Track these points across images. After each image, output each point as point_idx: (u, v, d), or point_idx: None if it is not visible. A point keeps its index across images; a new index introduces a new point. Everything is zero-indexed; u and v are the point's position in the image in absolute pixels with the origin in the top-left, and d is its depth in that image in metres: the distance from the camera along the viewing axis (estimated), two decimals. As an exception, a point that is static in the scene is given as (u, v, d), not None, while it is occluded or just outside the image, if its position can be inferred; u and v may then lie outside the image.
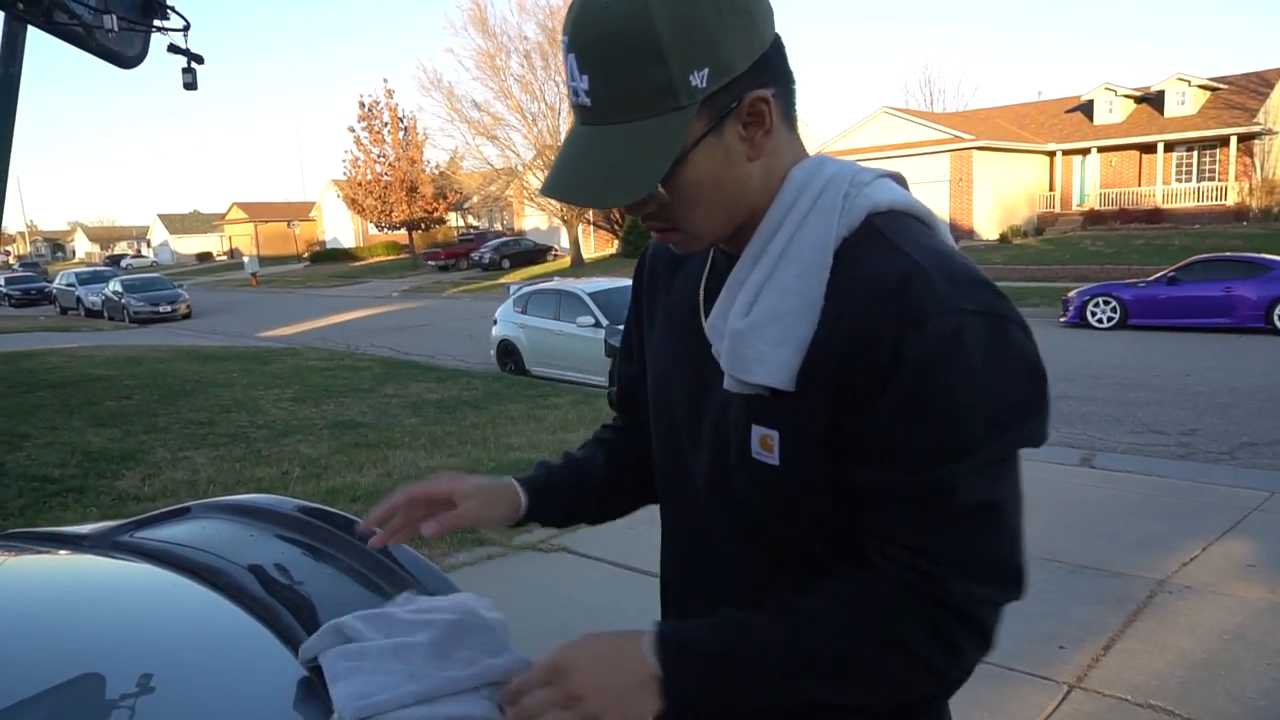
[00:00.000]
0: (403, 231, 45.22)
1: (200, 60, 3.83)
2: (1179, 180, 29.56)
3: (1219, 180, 28.51)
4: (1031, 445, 0.79)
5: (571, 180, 0.81)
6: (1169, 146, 29.26)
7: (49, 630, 1.17)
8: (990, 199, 29.84)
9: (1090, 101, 31.74)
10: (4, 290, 37.69)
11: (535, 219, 44.21)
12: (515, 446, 6.77)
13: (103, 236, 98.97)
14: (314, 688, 1.00)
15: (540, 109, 33.06)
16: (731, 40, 0.77)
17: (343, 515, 1.50)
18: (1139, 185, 30.12)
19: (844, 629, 0.80)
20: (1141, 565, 4.02)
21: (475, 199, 40.52)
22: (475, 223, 49.65)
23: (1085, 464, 5.95)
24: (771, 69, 0.82)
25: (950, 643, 0.79)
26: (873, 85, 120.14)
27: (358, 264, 49.61)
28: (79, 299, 29.70)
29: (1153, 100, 30.36)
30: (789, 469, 0.85)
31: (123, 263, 63.32)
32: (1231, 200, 27.86)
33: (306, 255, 58.69)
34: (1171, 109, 29.64)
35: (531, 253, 39.15)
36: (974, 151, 29.14)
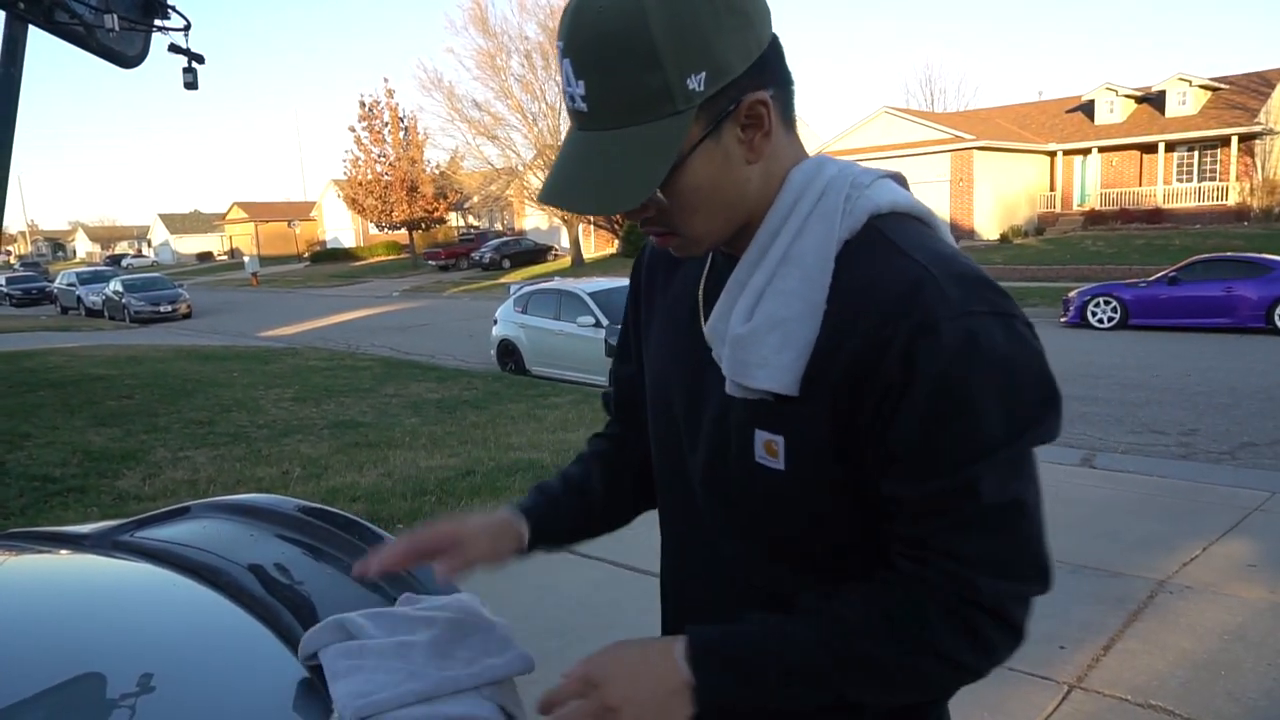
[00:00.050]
0: (403, 231, 45.21)
1: (201, 60, 3.82)
2: (1180, 180, 29.55)
3: (1220, 180, 28.50)
4: (1048, 440, 0.80)
5: (569, 187, 0.80)
6: (1170, 146, 29.25)
7: (49, 630, 1.18)
8: (991, 199, 29.82)
9: (1091, 101, 31.73)
10: (5, 290, 37.70)
11: (536, 219, 44.23)
12: (515, 446, 6.77)
13: (103, 236, 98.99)
14: (314, 687, 1.00)
15: (541, 109, 33.12)
16: (728, 42, 0.76)
17: (343, 515, 1.50)
18: (1140, 185, 30.10)
19: (877, 634, 0.80)
20: (1142, 565, 4.02)
21: (475, 199, 40.50)
22: (475, 223, 49.65)
23: (1085, 464, 5.94)
24: (769, 70, 0.81)
25: (983, 642, 0.80)
26: (873, 85, 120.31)
27: (358, 264, 49.60)
28: (80, 299, 29.71)
29: (1154, 100, 30.34)
30: (795, 474, 0.85)
31: (123, 262, 63.36)
32: (1232, 200, 27.85)
33: (307, 255, 58.68)
34: (1172, 109, 29.62)
35: (532, 252, 39.15)
36: (974, 151, 29.13)
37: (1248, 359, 10.48)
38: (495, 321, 12.19)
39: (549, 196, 0.81)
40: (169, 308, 25.17)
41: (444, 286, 32.95)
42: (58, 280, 34.39)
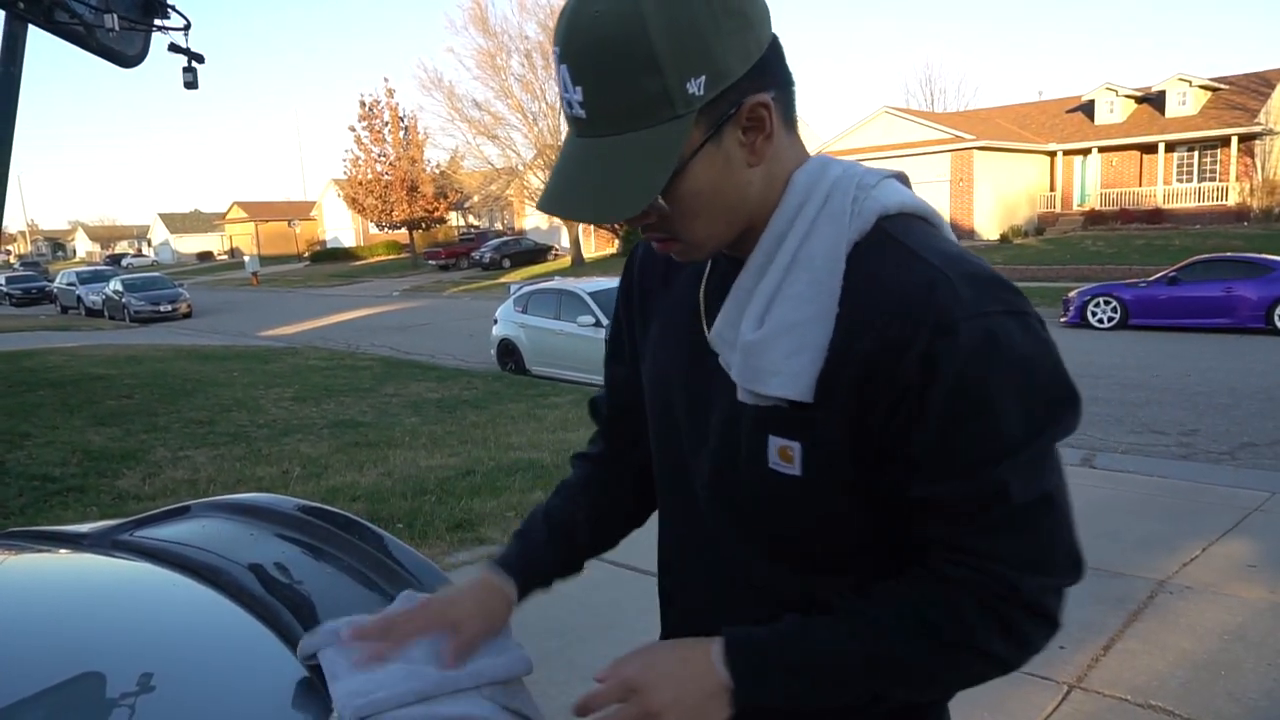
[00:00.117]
0: (403, 231, 45.22)
1: (201, 59, 3.83)
2: (1180, 180, 29.55)
3: (1220, 180, 28.50)
4: (1068, 434, 0.80)
5: (569, 195, 0.79)
6: (1170, 147, 29.25)
7: (49, 629, 1.17)
8: (991, 199, 29.83)
9: (1091, 101, 31.73)
10: (5, 289, 37.72)
11: (536, 218, 44.24)
12: (515, 446, 6.77)
13: (103, 236, 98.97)
14: (314, 687, 1.00)
15: (541, 108, 33.13)
16: (727, 44, 0.75)
17: (343, 515, 1.50)
18: (1140, 185, 30.10)
19: (912, 634, 0.81)
20: (1142, 565, 4.02)
21: (476, 198, 40.52)
22: (476, 222, 49.65)
23: (1086, 464, 5.94)
24: (770, 72, 0.79)
25: (1021, 636, 0.81)
26: (873, 85, 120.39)
27: (358, 263, 49.60)
28: (79, 298, 29.73)
29: (1154, 100, 30.34)
30: (812, 480, 0.84)
31: (123, 262, 63.31)
32: (1232, 200, 27.85)
33: (307, 255, 58.67)
34: (1172, 109, 29.62)
35: (532, 252, 39.14)
36: (975, 151, 29.13)
37: (1248, 359, 10.48)
38: (495, 321, 12.19)
39: (548, 205, 0.80)
40: (169, 307, 25.19)
41: (444, 286, 32.95)
42: (57, 280, 34.39)
